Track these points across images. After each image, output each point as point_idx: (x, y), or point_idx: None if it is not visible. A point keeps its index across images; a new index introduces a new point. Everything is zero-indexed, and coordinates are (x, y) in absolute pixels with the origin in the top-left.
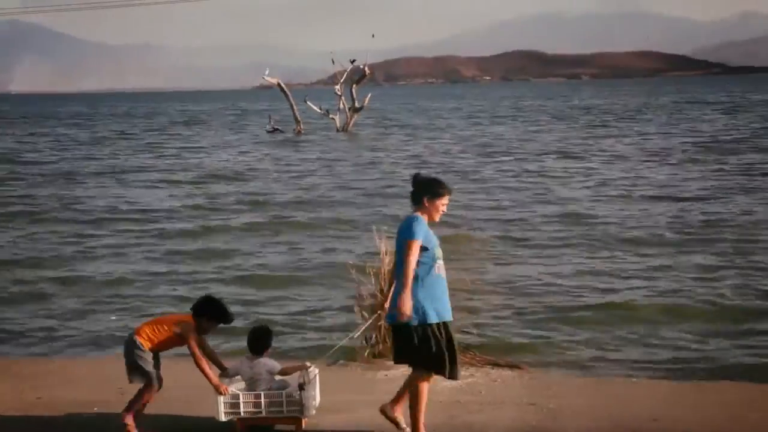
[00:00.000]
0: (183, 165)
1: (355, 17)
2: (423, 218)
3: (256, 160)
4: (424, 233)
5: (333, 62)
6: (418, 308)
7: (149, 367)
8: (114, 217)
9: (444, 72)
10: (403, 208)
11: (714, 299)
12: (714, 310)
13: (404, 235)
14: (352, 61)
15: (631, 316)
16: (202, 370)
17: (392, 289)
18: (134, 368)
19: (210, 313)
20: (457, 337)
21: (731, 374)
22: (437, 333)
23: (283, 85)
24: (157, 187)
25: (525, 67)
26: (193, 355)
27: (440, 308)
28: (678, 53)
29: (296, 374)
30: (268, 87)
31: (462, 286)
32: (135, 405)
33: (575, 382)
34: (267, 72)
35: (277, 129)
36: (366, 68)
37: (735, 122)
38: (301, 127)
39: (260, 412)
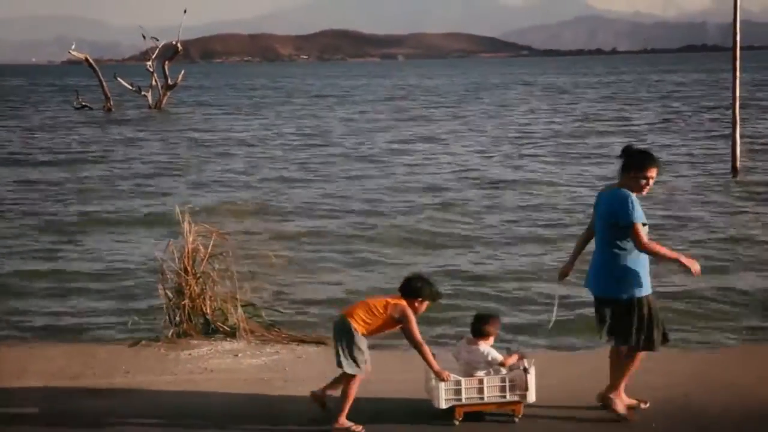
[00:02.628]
0: None
1: None
2: (633, 194)
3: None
4: (640, 211)
5: (144, 38)
6: (628, 282)
7: (363, 357)
8: None
9: (260, 50)
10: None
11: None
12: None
13: (624, 219)
14: (156, 39)
15: None
16: (425, 355)
17: (573, 257)
18: (347, 356)
19: (423, 293)
20: (265, 313)
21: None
22: (643, 306)
23: (91, 61)
24: None
25: (341, 46)
26: (413, 339)
27: (646, 282)
28: (488, 35)
29: (511, 362)
30: (78, 62)
31: (267, 263)
32: (347, 404)
33: (378, 356)
34: (73, 46)
35: (86, 106)
36: (178, 45)
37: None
38: (111, 104)
39: (482, 399)
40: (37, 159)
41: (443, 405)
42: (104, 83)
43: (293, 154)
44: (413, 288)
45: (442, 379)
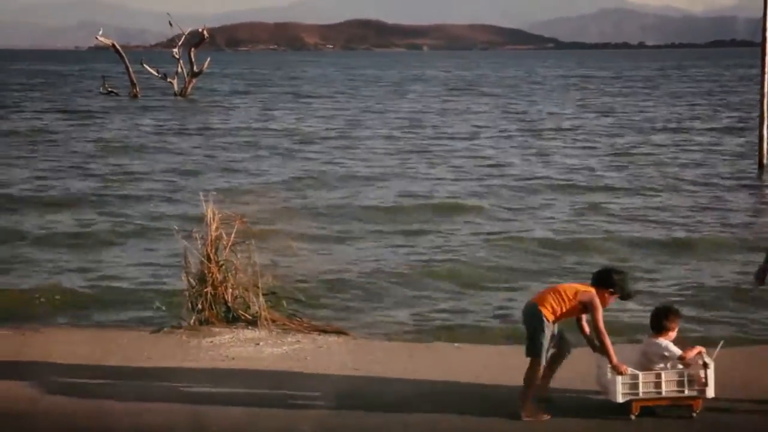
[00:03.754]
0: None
1: None
2: None
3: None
4: None
5: (171, 25)
6: None
7: (546, 343)
8: None
9: (286, 39)
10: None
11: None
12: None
13: None
14: (171, 32)
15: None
16: (606, 347)
17: None
18: (532, 341)
19: (617, 287)
20: (285, 305)
21: None
22: None
23: (118, 47)
24: None
25: (366, 36)
26: (597, 329)
27: None
28: (513, 27)
29: (690, 356)
30: (105, 48)
31: (289, 251)
32: (530, 389)
33: (398, 348)
34: (101, 32)
35: (112, 91)
36: (204, 32)
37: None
38: (137, 90)
39: (660, 393)
40: (70, 146)
41: (620, 399)
42: (130, 69)
43: (325, 146)
44: (609, 279)
45: (620, 373)
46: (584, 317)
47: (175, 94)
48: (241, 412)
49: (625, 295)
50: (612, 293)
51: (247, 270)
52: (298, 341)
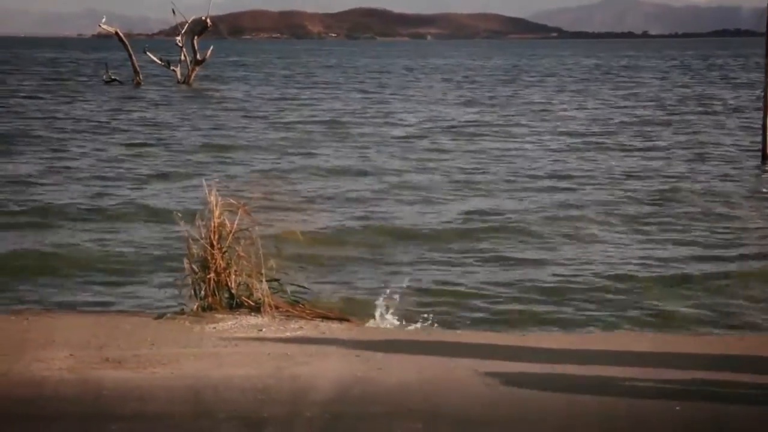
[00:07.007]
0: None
1: None
2: None
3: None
4: None
5: (174, 13)
6: None
7: None
8: None
9: (290, 27)
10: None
11: None
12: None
13: None
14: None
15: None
16: None
17: None
18: None
19: None
20: (290, 289)
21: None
22: None
23: (121, 35)
24: None
25: (370, 24)
26: None
27: None
28: (517, 16)
29: None
30: (107, 36)
31: (293, 238)
32: None
33: (402, 334)
34: (104, 20)
35: (115, 80)
36: (208, 20)
37: None
38: (140, 78)
39: None
40: (70, 132)
41: None
42: (134, 57)
43: (325, 138)
44: None
45: None
46: None
47: (179, 82)
48: (245, 398)
49: None
50: None
51: (251, 256)
52: (301, 327)
